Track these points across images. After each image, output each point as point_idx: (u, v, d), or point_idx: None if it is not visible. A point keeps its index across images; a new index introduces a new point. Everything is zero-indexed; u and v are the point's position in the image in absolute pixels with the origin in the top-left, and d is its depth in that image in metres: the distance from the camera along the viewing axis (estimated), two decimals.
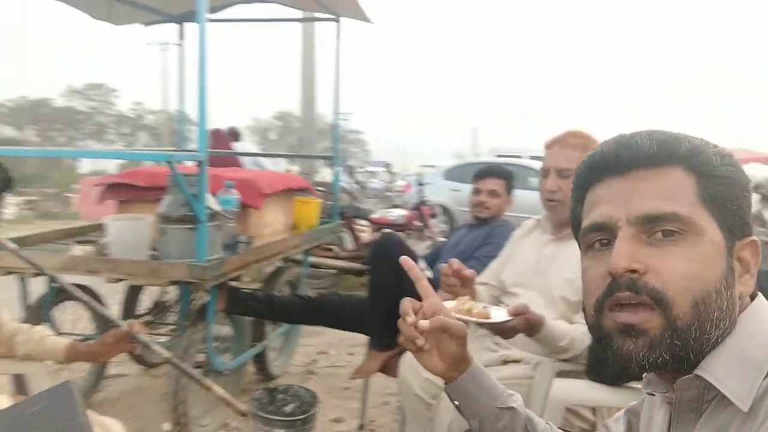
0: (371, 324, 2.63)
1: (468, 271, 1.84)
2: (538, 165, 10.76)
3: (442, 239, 6.59)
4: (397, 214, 6.91)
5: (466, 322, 1.61)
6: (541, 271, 2.02)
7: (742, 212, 0.72)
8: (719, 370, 0.68)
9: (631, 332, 0.69)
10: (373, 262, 2.65)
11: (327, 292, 2.99)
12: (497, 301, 2.13)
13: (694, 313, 0.68)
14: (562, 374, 1.85)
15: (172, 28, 4.17)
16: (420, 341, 0.92)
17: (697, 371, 0.69)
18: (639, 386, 1.80)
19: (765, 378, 0.66)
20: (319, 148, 11.39)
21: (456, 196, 9.75)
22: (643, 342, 0.69)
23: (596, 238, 0.75)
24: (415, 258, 2.66)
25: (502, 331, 1.72)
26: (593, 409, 1.90)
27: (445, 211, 9.68)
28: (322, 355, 4.16)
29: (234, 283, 2.96)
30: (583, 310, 0.77)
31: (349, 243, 6.41)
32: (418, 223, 6.96)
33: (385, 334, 2.52)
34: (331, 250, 6.16)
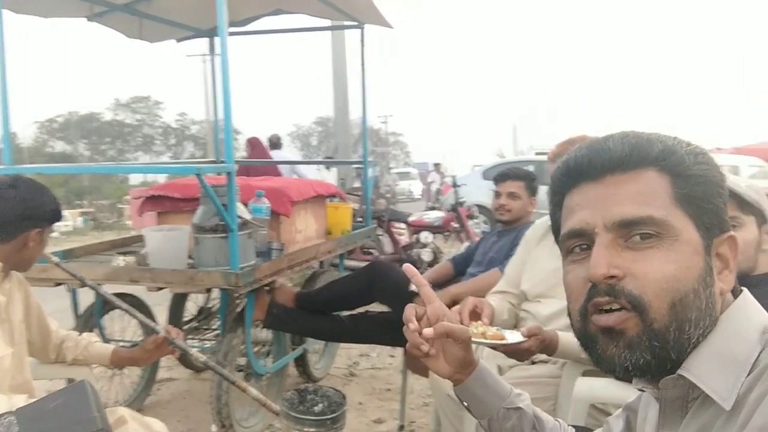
0: (324, 291, 3.04)
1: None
2: None
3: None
4: (434, 216, 6.93)
5: (481, 345, 1.64)
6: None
7: (718, 210, 0.72)
8: (702, 369, 0.68)
9: (612, 334, 0.70)
10: (364, 271, 2.95)
11: (359, 313, 3.06)
12: (517, 309, 2.14)
13: (671, 314, 0.68)
14: (588, 373, 1.85)
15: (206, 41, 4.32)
16: (425, 347, 0.95)
17: (680, 371, 0.69)
18: None
19: (748, 376, 0.66)
20: (354, 153, 11.48)
21: None
22: (623, 343, 0.70)
23: (575, 244, 0.76)
24: (408, 280, 2.72)
25: (518, 353, 1.72)
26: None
27: (485, 211, 9.64)
28: (364, 358, 4.22)
29: (273, 285, 3.05)
30: (569, 315, 0.78)
31: (388, 246, 6.47)
32: (455, 225, 6.96)
33: (307, 301, 2.97)
34: (371, 253, 6.25)
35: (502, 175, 2.98)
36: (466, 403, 1.00)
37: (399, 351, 3.92)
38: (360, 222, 4.15)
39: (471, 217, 7.46)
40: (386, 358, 4.17)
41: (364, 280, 2.90)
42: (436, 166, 15.87)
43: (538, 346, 1.73)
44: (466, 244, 6.57)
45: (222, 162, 2.83)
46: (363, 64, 4.00)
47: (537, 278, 2.09)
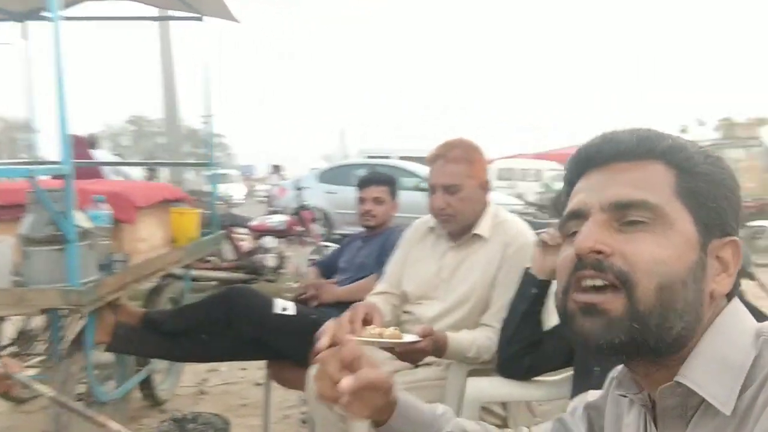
0: (174, 319, 2.64)
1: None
2: (407, 165, 11.01)
3: (324, 243, 6.55)
4: (277, 220, 6.76)
5: (376, 345, 1.60)
6: (444, 280, 2.03)
7: (722, 211, 0.72)
8: (699, 374, 0.68)
9: (592, 311, 0.69)
10: (220, 299, 2.61)
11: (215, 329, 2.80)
12: (398, 310, 2.12)
13: (657, 298, 0.67)
14: (473, 373, 1.88)
15: (12, 26, 3.79)
16: (344, 400, 0.81)
17: (677, 378, 0.68)
18: (549, 379, 1.87)
19: (746, 382, 0.66)
20: (181, 154, 10.87)
21: (332, 198, 9.75)
22: (601, 322, 0.68)
23: (573, 227, 0.74)
24: (269, 303, 2.57)
25: (411, 354, 1.71)
26: (503, 404, 1.95)
27: (324, 214, 9.63)
28: (213, 373, 3.95)
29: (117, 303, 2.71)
30: (555, 296, 0.76)
31: (229, 253, 6.16)
32: (299, 228, 6.84)
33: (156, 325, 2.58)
34: (209, 261, 5.90)
35: (364, 180, 2.96)
36: None
37: (251, 364, 3.73)
38: (204, 228, 3.88)
39: (313, 220, 7.39)
40: (237, 371, 3.95)
41: (221, 309, 2.56)
42: (276, 168, 15.52)
43: (431, 347, 1.73)
44: (311, 248, 6.50)
45: (56, 163, 2.46)
46: (205, 60, 3.73)
47: (418, 280, 2.08)
